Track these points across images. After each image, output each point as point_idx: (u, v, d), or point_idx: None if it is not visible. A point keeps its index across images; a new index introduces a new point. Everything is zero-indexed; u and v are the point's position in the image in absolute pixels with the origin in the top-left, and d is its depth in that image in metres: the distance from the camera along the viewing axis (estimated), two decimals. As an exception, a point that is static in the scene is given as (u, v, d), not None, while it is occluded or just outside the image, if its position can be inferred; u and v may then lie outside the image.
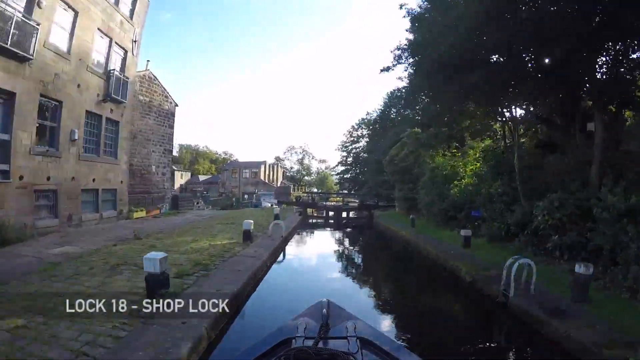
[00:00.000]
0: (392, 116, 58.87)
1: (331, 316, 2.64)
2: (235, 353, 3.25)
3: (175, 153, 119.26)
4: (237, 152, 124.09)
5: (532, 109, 15.28)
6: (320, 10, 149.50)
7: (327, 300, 2.94)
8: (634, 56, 10.67)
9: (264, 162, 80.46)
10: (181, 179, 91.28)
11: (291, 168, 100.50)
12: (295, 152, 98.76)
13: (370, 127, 61.14)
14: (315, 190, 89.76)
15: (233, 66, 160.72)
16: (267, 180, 79.36)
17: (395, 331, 7.17)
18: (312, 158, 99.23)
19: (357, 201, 37.80)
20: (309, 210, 30.55)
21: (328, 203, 37.48)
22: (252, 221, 14.35)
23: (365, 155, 60.43)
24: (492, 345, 6.88)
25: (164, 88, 29.48)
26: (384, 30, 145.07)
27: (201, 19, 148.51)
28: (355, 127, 64.15)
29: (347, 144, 64.52)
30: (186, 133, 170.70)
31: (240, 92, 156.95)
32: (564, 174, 12.36)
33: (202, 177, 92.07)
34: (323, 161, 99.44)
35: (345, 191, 65.22)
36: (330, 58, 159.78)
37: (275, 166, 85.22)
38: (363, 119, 62.97)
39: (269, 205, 34.07)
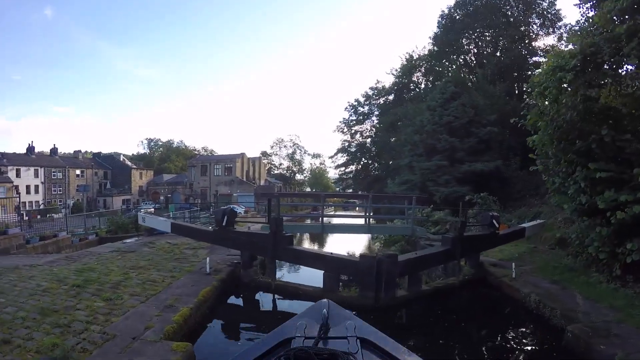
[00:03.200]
0: (412, 84, 42.44)
1: (331, 316, 2.42)
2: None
3: (142, 150, 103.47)
4: (219, 149, 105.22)
5: None
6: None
7: (327, 300, 2.69)
8: None
9: (241, 156, 62.63)
10: (140, 179, 73.15)
11: (280, 164, 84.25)
12: (285, 146, 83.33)
13: (382, 100, 43.38)
14: (309, 190, 73.22)
15: (215, 60, 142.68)
16: (245, 178, 61.57)
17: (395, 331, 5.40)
18: (305, 152, 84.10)
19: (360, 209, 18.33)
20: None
21: (331, 220, 16.07)
22: None
23: (377, 139, 42.33)
24: None
25: None
26: (378, 15, 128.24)
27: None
28: (361, 102, 45.90)
29: (352, 123, 46.16)
30: (158, 128, 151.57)
31: (223, 86, 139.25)
32: None
33: (167, 177, 73.64)
34: (317, 156, 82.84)
35: (350, 190, 46.93)
36: (325, 49, 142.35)
37: (257, 161, 67.33)
38: (373, 89, 44.84)
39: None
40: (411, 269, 8.08)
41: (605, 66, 7.54)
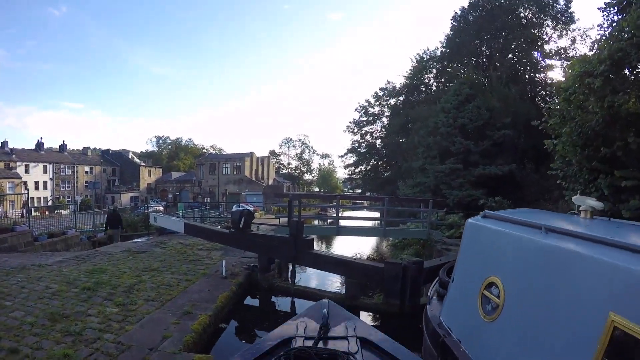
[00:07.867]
0: (423, 85, 42.04)
1: (331, 316, 2.46)
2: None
3: (151, 147, 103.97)
4: (228, 148, 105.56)
5: None
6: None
7: (328, 300, 2.73)
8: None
9: (250, 155, 62.59)
10: (149, 176, 73.61)
11: (288, 164, 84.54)
12: (294, 146, 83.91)
13: (392, 101, 43.05)
14: (317, 190, 73.17)
15: (225, 59, 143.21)
16: (254, 177, 61.65)
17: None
18: (313, 152, 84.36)
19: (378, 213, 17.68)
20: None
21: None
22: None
23: (387, 139, 42.05)
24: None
25: None
26: (390, 16, 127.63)
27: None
28: (372, 102, 45.62)
29: (362, 123, 45.91)
30: (167, 126, 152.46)
31: (233, 85, 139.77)
32: None
33: (175, 175, 73.96)
34: (326, 156, 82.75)
35: (359, 191, 46.72)
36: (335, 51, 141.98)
37: (266, 160, 67.22)
38: (383, 89, 44.57)
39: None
40: (436, 275, 7.66)
41: (627, 71, 7.35)
